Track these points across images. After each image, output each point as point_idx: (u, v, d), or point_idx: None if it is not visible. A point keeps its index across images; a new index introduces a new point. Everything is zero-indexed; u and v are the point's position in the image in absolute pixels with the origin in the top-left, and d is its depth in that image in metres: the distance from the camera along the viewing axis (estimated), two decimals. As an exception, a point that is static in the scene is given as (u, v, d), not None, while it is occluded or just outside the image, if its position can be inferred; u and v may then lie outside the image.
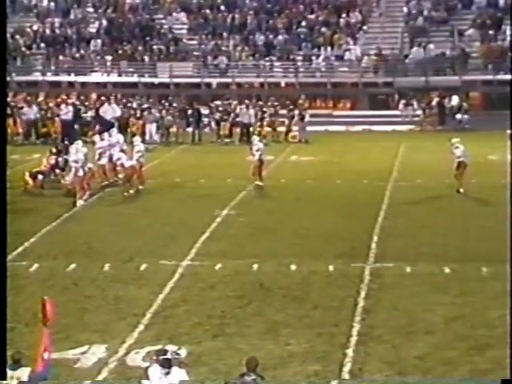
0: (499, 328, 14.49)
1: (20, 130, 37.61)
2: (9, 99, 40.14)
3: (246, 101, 38.69)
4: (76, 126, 37.27)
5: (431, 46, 43.97)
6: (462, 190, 25.01)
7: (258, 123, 37.42)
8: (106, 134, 28.29)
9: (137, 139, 27.59)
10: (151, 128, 37.25)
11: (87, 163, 25.34)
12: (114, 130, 29.53)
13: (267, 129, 37.26)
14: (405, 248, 19.56)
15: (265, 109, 38.57)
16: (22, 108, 38.19)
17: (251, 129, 36.87)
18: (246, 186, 26.09)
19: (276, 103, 39.34)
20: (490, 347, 13.70)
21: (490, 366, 12.97)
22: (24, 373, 10.47)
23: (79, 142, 26.67)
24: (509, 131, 34.37)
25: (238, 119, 37.50)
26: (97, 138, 28.39)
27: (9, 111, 38.16)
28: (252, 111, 37.65)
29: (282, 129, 37.76)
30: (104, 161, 26.87)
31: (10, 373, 10.48)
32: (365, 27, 46.21)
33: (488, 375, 12.65)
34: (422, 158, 31.12)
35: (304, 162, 31.81)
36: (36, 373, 10.56)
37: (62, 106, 38.22)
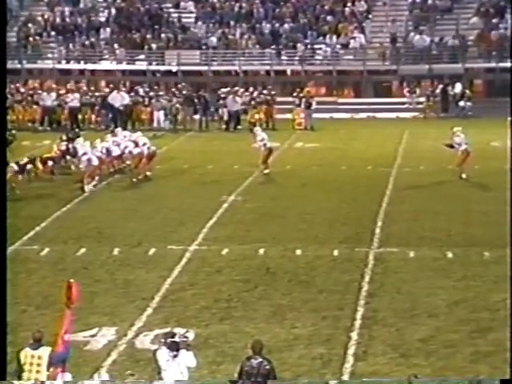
0: (501, 311, 14.73)
1: (31, 117, 37.96)
2: (19, 85, 40.67)
3: (235, 88, 38.94)
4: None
5: (435, 34, 44.12)
6: (464, 176, 25.24)
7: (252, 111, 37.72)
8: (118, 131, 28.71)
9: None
10: (159, 115, 37.51)
11: (95, 152, 25.56)
12: (119, 130, 29.76)
13: (257, 116, 37.42)
14: (408, 233, 19.78)
15: (255, 94, 38.67)
16: (33, 95, 38.51)
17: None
18: (253, 172, 26.31)
19: (265, 91, 39.28)
20: (492, 330, 13.92)
21: (491, 349, 13.19)
22: (45, 352, 10.64)
23: (79, 140, 26.83)
24: (509, 118, 34.59)
25: (227, 108, 37.75)
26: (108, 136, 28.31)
27: (19, 97, 38.64)
28: (239, 99, 37.87)
29: (280, 116, 37.88)
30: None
31: (30, 352, 10.64)
32: (369, 16, 46.34)
33: (491, 357, 12.88)
34: (426, 144, 31.28)
35: (309, 148, 31.98)
36: (56, 353, 10.73)
37: (69, 93, 38.52)
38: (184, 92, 39.14)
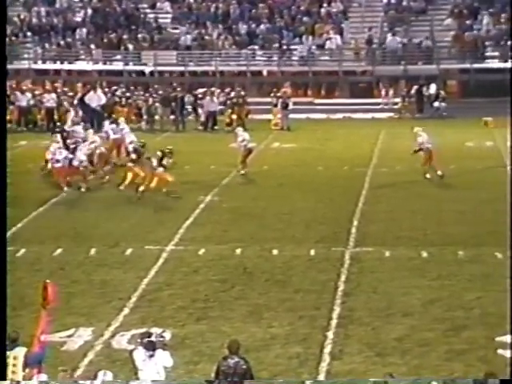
0: (475, 309, 14.90)
1: (9, 117, 37.77)
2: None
3: (213, 89, 38.99)
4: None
5: (410, 35, 44.40)
6: (428, 176, 25.37)
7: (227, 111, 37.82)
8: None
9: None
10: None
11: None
12: (106, 123, 29.77)
13: (234, 116, 37.52)
14: (384, 233, 19.90)
15: (232, 95, 38.77)
16: (9, 95, 38.32)
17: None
18: (230, 172, 26.37)
19: (242, 92, 39.42)
20: (466, 328, 14.08)
21: (466, 347, 13.33)
22: (21, 352, 10.67)
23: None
24: (486, 118, 34.90)
25: (203, 108, 37.85)
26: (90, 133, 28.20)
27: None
28: (216, 99, 37.96)
29: (257, 116, 37.98)
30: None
31: (7, 352, 10.66)
32: (345, 17, 46.50)
33: (465, 355, 13.01)
34: (402, 144, 31.28)
35: (286, 148, 32.06)
36: (32, 353, 10.76)
37: (45, 94, 38.40)
38: (160, 92, 39.15)
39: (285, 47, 44.88)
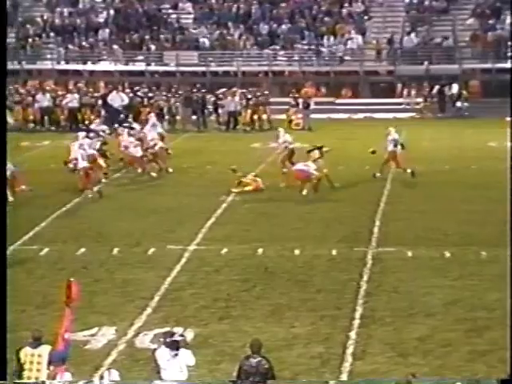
0: (497, 310, 14.81)
1: (31, 117, 38.10)
2: (18, 86, 40.75)
3: (233, 89, 39.06)
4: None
5: (431, 35, 44.27)
6: (378, 175, 25.52)
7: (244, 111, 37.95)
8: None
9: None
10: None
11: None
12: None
13: (255, 117, 37.60)
14: (406, 233, 19.85)
15: (249, 96, 38.85)
16: (34, 95, 38.64)
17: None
18: (251, 172, 26.34)
19: (258, 92, 39.47)
20: (489, 329, 14.01)
21: (488, 348, 13.27)
22: (45, 350, 10.71)
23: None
24: (508, 118, 34.70)
25: (224, 108, 38.07)
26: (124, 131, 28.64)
27: (18, 98, 38.73)
28: (237, 99, 38.02)
29: (279, 116, 38.01)
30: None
31: (30, 350, 10.71)
32: (366, 17, 46.45)
33: (487, 356, 12.96)
34: (423, 144, 31.35)
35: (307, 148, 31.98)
36: (56, 351, 10.80)
37: (68, 94, 38.66)
38: (180, 92, 39.27)
39: (306, 47, 44.86)
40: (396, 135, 26.05)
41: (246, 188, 24.32)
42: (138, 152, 26.66)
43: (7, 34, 37.91)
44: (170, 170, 27.07)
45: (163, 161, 27.29)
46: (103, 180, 25.58)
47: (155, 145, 27.45)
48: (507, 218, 20.37)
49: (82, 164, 23.99)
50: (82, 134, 26.01)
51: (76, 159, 24.24)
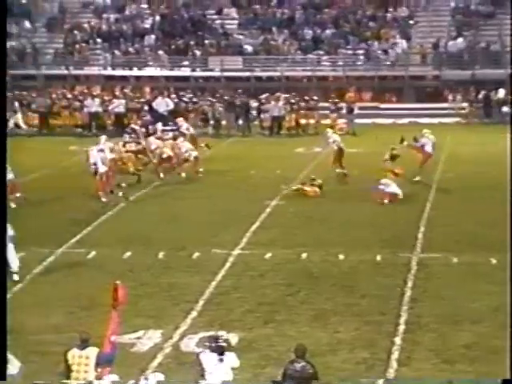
0: (545, 316, 14.71)
1: (79, 122, 38.64)
2: (66, 91, 41.30)
3: (277, 94, 39.16)
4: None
5: (478, 39, 43.98)
6: (418, 178, 25.66)
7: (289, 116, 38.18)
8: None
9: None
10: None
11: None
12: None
13: (303, 121, 37.82)
14: (451, 238, 19.73)
15: (292, 101, 38.90)
16: (82, 100, 39.16)
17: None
18: (295, 176, 26.41)
19: (298, 97, 39.52)
20: (536, 336, 13.89)
21: (535, 354, 13.19)
22: (92, 352, 10.79)
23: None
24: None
25: (268, 113, 38.30)
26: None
27: (66, 103, 39.25)
28: (281, 104, 38.11)
29: (323, 121, 38.09)
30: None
31: (77, 352, 10.79)
32: (411, 21, 46.33)
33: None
34: (468, 149, 31.16)
35: (351, 153, 31.90)
36: (103, 353, 10.89)
37: (114, 99, 39.11)
38: (225, 97, 39.46)
39: (350, 52, 44.84)
40: (432, 137, 25.99)
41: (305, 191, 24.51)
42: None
43: (7, 34, 38.19)
44: (183, 174, 27.14)
45: (194, 164, 27.43)
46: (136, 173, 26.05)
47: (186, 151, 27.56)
48: (507, 223, 20.21)
49: (103, 168, 24.13)
50: (103, 139, 26.20)
51: (95, 164, 24.39)
